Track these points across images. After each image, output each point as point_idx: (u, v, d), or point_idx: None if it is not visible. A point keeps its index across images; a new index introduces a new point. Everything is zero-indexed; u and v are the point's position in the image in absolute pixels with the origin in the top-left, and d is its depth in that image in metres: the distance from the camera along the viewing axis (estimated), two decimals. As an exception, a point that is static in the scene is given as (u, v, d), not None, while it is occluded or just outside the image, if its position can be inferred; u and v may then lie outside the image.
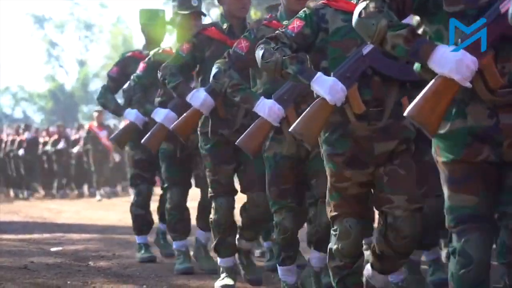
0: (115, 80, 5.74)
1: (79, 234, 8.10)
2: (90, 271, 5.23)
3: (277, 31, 3.25)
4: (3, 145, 18.51)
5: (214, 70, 3.84)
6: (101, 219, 10.45)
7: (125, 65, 5.72)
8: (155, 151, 5.00)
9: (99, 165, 15.92)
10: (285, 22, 3.62)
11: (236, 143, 3.79)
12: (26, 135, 18.14)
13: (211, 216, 4.44)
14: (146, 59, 5.27)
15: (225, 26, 4.41)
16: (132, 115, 5.40)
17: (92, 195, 16.87)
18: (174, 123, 4.44)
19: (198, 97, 4.20)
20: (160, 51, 5.26)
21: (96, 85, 64.80)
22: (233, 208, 4.50)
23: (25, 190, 17.98)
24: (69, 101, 60.25)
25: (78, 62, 66.15)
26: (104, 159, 16.09)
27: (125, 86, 5.56)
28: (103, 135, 15.67)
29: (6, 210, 13.14)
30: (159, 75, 4.38)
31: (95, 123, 16.20)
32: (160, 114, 4.86)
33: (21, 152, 17.90)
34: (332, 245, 3.22)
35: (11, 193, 18.43)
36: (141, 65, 5.21)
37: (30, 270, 5.21)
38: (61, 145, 17.64)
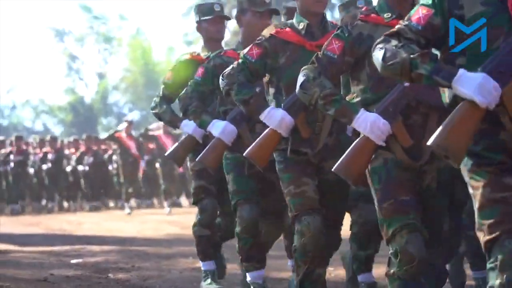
0: (171, 87, 5.00)
1: (98, 246, 8.11)
2: (109, 283, 5.23)
3: (398, 25, 2.63)
4: (31, 157, 18.09)
5: (301, 78, 3.19)
6: (120, 230, 10.45)
7: (181, 69, 5.02)
8: (214, 170, 4.35)
9: (129, 176, 15.39)
10: (386, 15, 3.19)
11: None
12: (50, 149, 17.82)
13: (295, 243, 3.62)
14: (205, 62, 4.53)
15: (301, 26, 3.75)
16: (189, 127, 4.74)
17: (120, 207, 16.59)
18: (249, 150, 3.75)
19: (274, 116, 3.62)
20: (222, 53, 4.49)
21: (115, 98, 65.15)
22: (323, 229, 3.64)
23: (50, 202, 17.80)
24: (88, 113, 60.56)
25: (97, 75, 66.47)
26: (134, 171, 15.61)
27: (182, 93, 4.63)
28: (132, 145, 15.32)
29: (27, 222, 13.20)
30: (221, 83, 3.75)
31: (124, 134, 15.47)
32: (218, 127, 4.21)
33: (45, 166, 17.58)
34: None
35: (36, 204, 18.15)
36: (200, 70, 4.49)
37: (50, 282, 5.22)
38: (90, 160, 17.29)
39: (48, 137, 19.04)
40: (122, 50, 65.86)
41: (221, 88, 3.77)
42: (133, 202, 16.05)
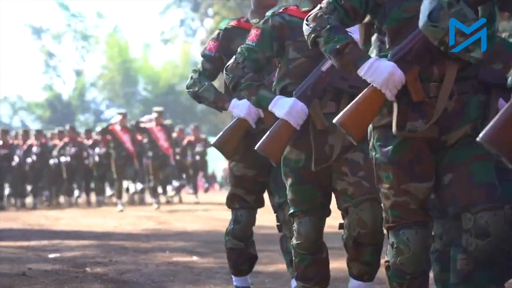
0: (214, 60, 3.93)
1: (76, 240, 8.07)
2: (87, 277, 5.21)
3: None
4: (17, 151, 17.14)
5: (428, 5, 2.45)
6: (98, 225, 10.42)
7: (228, 38, 3.92)
8: (278, 161, 3.31)
9: (121, 172, 14.45)
10: None
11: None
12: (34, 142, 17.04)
13: (387, 258, 2.79)
14: (260, 22, 3.47)
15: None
16: (241, 108, 3.71)
17: (110, 203, 16.21)
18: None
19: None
20: (281, 10, 3.47)
21: (92, 95, 64.87)
22: (426, 243, 2.82)
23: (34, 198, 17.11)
24: (66, 110, 60.20)
25: (75, 72, 66.12)
26: (128, 165, 14.67)
27: (231, 63, 3.44)
28: (126, 139, 14.36)
29: (5, 217, 13.11)
30: (306, 29, 2.73)
31: (118, 127, 14.46)
32: (283, 106, 3.22)
33: (29, 160, 16.78)
34: None
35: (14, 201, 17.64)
36: (254, 32, 3.44)
37: (28, 276, 5.20)
38: (72, 150, 16.51)
39: (33, 130, 18.41)
40: (100, 48, 65.48)
41: (307, 36, 2.72)
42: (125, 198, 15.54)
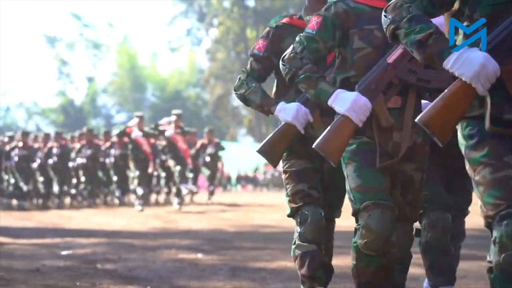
0: (263, 60, 3.45)
1: (87, 238, 8.07)
2: (97, 273, 5.21)
3: None
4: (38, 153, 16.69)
5: None
6: (108, 224, 10.42)
7: (278, 37, 3.45)
8: (337, 161, 2.87)
9: (140, 173, 13.80)
10: None
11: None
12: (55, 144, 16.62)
13: (490, 259, 2.30)
14: (322, 9, 2.99)
15: None
16: (288, 112, 3.26)
17: (129, 204, 15.80)
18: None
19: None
20: None
21: (103, 100, 64.95)
22: None
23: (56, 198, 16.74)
24: (78, 115, 60.28)
25: (87, 79, 66.19)
26: (145, 168, 14.04)
27: (288, 53, 2.95)
28: (144, 142, 13.85)
29: (20, 216, 13.12)
30: (385, 21, 2.36)
31: (135, 130, 13.93)
32: (344, 100, 2.77)
33: (50, 161, 16.38)
34: None
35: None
36: (314, 19, 2.97)
37: (42, 272, 5.20)
38: (88, 152, 16.09)
39: (53, 133, 18.01)
40: (110, 56, 65.61)
41: (386, 28, 2.35)
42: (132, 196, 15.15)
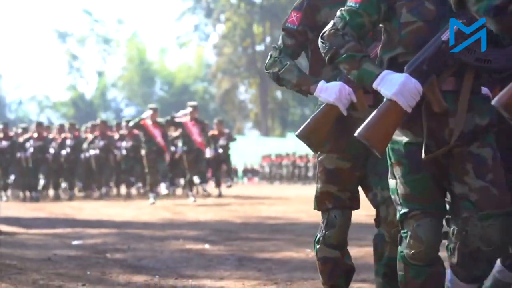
0: (297, 34, 3.03)
1: (97, 229, 8.09)
2: (107, 263, 5.23)
3: None
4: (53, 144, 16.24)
5: None
6: (117, 215, 10.44)
7: (313, 7, 3.03)
8: (383, 151, 2.51)
9: (154, 165, 13.13)
10: None
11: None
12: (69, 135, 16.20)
13: None
14: None
15: None
16: (331, 91, 2.85)
17: (142, 196, 15.50)
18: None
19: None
20: None
21: (113, 94, 65.04)
22: None
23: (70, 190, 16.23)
24: (88, 108, 60.38)
25: (97, 73, 66.26)
26: (159, 159, 13.31)
27: (327, 29, 2.55)
28: (158, 134, 13.21)
29: (32, 207, 13.16)
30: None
31: (149, 122, 13.22)
32: (393, 82, 2.40)
33: (63, 152, 15.99)
34: None
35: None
36: None
37: (53, 261, 5.22)
38: (101, 143, 15.71)
39: (67, 124, 17.55)
40: (120, 51, 65.64)
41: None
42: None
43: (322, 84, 2.88)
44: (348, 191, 3.04)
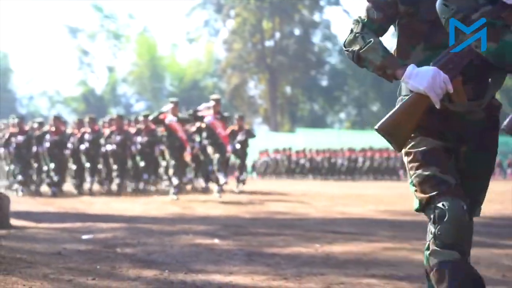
0: (386, 7, 2.55)
1: (107, 223, 8.10)
2: (117, 257, 5.23)
3: None
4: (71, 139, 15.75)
5: None
6: (127, 210, 10.46)
7: None
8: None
9: (177, 161, 12.63)
10: None
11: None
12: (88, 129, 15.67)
13: None
14: None
15: None
16: (423, 78, 2.37)
17: (163, 192, 14.85)
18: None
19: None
20: None
21: (123, 89, 65.19)
22: None
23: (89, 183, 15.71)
24: (99, 103, 60.55)
25: (107, 69, 66.41)
26: (181, 155, 12.84)
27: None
28: (179, 129, 12.61)
29: (42, 201, 13.21)
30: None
31: (169, 116, 12.62)
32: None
33: (83, 147, 15.52)
34: None
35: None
36: None
37: (63, 255, 5.24)
38: (118, 138, 15.25)
39: (86, 118, 16.68)
40: (130, 46, 65.76)
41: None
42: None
43: (411, 68, 2.40)
44: (451, 175, 2.43)
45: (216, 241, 6.30)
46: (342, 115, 65.97)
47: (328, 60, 61.46)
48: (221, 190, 12.84)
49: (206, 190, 14.79)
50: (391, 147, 2.42)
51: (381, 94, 60.90)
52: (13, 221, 7.89)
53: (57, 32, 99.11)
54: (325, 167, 31.11)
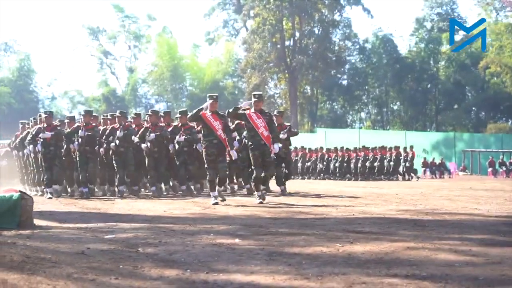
0: None
1: (129, 223, 8.15)
2: (139, 257, 5.26)
3: None
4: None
5: None
6: (148, 210, 10.50)
7: None
8: None
9: (213, 161, 11.60)
10: None
11: None
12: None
13: None
14: None
15: None
16: None
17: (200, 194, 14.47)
18: None
19: None
20: None
21: (144, 90, 65.50)
22: None
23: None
24: (120, 104, 60.86)
25: (128, 69, 66.74)
26: (219, 154, 11.70)
27: None
28: (218, 127, 11.60)
29: (65, 202, 13.31)
30: None
31: (208, 113, 11.67)
32: None
33: (112, 144, 14.74)
34: None
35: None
36: None
37: (87, 255, 5.28)
38: (152, 136, 14.40)
39: (117, 112, 15.72)
40: (150, 47, 66.01)
41: None
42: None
43: None
44: None
45: (237, 240, 6.30)
46: (363, 115, 65.72)
47: (348, 59, 61.26)
48: (262, 195, 11.67)
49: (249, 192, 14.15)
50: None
51: (402, 93, 60.55)
52: (37, 221, 7.98)
53: (78, 33, 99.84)
54: (344, 167, 31.01)
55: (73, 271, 4.50)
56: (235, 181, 15.65)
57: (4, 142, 25.62)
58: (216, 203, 11.15)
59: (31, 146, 15.36)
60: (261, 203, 11.19)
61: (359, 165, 30.24)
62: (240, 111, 11.77)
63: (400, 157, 30.66)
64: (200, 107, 11.85)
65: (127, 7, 79.59)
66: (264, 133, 11.45)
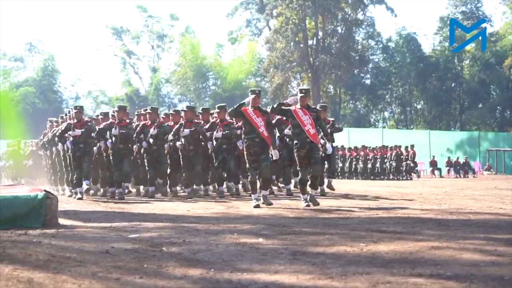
0: None
1: (153, 223, 8.20)
2: (163, 256, 5.29)
3: None
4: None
5: None
6: (172, 209, 10.55)
7: None
8: None
9: (255, 161, 10.95)
10: None
11: None
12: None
13: None
14: None
15: None
16: None
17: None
18: None
19: None
20: None
21: (167, 89, 65.79)
22: None
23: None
24: (143, 104, 61.14)
25: (151, 69, 67.08)
26: (261, 153, 10.94)
27: None
28: (261, 123, 10.90)
29: (89, 201, 13.41)
30: None
31: (250, 109, 10.99)
32: None
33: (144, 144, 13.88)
34: None
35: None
36: None
37: (111, 254, 5.32)
38: (186, 131, 13.48)
39: (148, 109, 14.76)
40: (173, 46, 66.30)
41: None
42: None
43: None
44: None
45: (260, 240, 6.31)
46: (386, 114, 65.40)
47: (372, 58, 61.00)
48: (308, 199, 10.69)
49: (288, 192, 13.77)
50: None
51: (426, 92, 60.16)
52: (62, 221, 8.05)
53: (102, 33, 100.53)
54: (368, 167, 30.94)
55: (98, 270, 4.53)
56: (275, 182, 14.74)
57: (29, 141, 25.78)
58: (258, 206, 10.54)
59: (60, 144, 14.66)
60: (308, 206, 10.40)
61: (360, 165, 30.36)
62: (285, 107, 10.79)
63: (402, 157, 30.62)
64: (242, 102, 11.18)
65: (150, 7, 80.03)
66: (310, 130, 10.52)
